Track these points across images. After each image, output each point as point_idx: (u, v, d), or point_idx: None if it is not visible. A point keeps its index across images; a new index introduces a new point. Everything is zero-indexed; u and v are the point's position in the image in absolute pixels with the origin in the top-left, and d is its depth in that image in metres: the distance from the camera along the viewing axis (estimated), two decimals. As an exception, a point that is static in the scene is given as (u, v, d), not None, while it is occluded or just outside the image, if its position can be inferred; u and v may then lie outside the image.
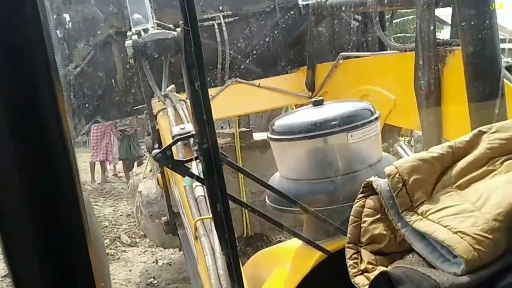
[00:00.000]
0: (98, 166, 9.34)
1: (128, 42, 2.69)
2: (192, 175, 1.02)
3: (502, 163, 0.89)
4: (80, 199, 0.47)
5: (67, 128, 0.46)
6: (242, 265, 1.50)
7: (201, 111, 0.84)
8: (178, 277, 4.96)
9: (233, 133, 4.17)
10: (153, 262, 5.47)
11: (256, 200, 3.70)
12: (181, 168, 1.01)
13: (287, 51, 3.88)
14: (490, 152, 0.90)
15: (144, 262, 5.50)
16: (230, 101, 3.51)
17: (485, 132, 0.94)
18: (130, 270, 5.24)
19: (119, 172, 9.90)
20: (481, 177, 0.88)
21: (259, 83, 3.60)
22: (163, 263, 5.40)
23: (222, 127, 5.16)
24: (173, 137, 1.76)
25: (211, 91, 3.38)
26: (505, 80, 1.82)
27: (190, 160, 0.98)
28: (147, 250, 5.82)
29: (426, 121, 2.26)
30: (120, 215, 6.97)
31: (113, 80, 3.68)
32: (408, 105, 2.40)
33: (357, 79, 3.04)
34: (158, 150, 0.98)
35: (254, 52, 3.80)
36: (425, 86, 2.19)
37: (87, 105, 3.74)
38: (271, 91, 3.61)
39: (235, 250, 0.94)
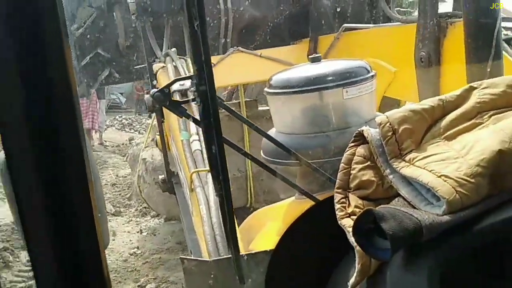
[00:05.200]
0: None
1: None
2: (188, 116, 1.04)
3: (490, 116, 0.92)
4: (85, 156, 0.48)
5: (75, 87, 0.48)
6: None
7: (200, 51, 0.85)
8: (163, 247, 4.88)
9: (239, 102, 4.17)
10: (138, 232, 5.38)
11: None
12: (178, 108, 1.03)
13: (293, 21, 3.85)
14: (479, 106, 0.93)
15: (128, 232, 5.41)
16: (231, 69, 3.51)
17: (475, 88, 0.96)
18: (113, 240, 5.10)
19: (105, 141, 9.71)
20: (468, 129, 0.91)
21: (261, 53, 3.60)
22: (147, 233, 5.30)
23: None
24: (172, 92, 1.78)
25: (213, 59, 3.38)
26: (504, 53, 1.83)
27: (187, 101, 1.00)
28: (131, 220, 5.68)
29: (424, 93, 2.28)
30: (105, 184, 6.79)
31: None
32: (408, 78, 2.41)
33: (359, 51, 3.03)
34: (155, 90, 0.99)
35: (259, 21, 3.79)
36: (425, 57, 2.20)
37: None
38: (273, 62, 3.61)
39: (228, 191, 0.96)
